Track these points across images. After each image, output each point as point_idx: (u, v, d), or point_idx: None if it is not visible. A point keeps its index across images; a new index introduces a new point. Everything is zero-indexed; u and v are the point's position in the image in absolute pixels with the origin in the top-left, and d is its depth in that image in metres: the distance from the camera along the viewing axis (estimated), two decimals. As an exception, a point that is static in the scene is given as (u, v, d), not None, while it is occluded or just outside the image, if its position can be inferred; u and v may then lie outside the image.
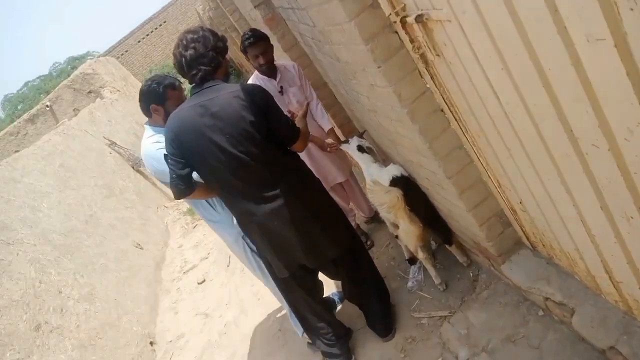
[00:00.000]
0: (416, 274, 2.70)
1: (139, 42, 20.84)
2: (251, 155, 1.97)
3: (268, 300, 3.51)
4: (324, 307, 2.54)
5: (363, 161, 2.69)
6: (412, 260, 2.78)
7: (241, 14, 5.47)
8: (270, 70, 2.98)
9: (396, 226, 2.60)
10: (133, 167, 7.54)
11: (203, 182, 2.16)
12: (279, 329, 3.23)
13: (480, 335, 2.04)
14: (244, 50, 2.96)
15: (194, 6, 17.81)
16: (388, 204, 2.19)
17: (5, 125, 15.36)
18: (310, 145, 2.93)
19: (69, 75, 11.54)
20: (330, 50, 2.13)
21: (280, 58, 3.45)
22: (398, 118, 1.80)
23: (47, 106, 10.10)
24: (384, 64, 1.62)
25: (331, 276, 2.59)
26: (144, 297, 4.96)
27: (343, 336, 2.53)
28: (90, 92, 9.87)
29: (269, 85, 2.99)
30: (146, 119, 2.50)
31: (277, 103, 2.07)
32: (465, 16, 1.14)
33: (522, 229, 1.86)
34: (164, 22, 20.83)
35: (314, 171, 2.50)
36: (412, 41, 1.55)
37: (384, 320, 2.45)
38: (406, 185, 2.25)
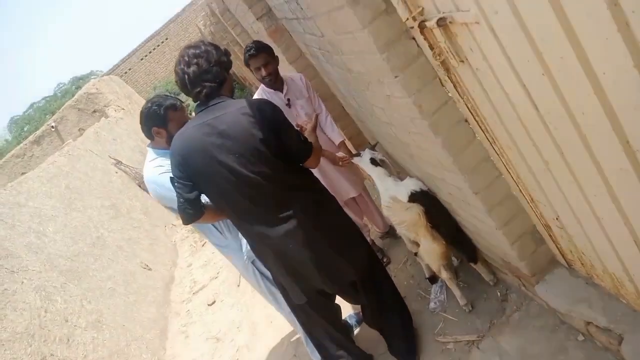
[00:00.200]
0: (438, 293, 2.54)
1: (141, 59, 20.98)
2: (263, 175, 1.85)
3: (281, 323, 3.35)
4: (342, 333, 2.39)
5: (377, 175, 2.55)
6: (433, 278, 2.62)
7: (243, 27, 5.40)
8: (275, 82, 2.87)
9: (416, 244, 2.45)
10: (140, 186, 7.45)
11: (212, 204, 2.03)
12: (294, 354, 3.07)
13: (515, 363, 1.88)
14: (247, 63, 2.86)
15: (195, 22, 17.91)
16: (408, 221, 2.04)
17: (12, 147, 15.42)
18: (321, 159, 2.80)
19: (73, 95, 11.56)
20: (341, 61, 2.00)
21: (286, 70, 3.34)
22: (418, 131, 1.67)
23: (52, 127, 10.10)
24: (402, 73, 1.49)
25: (351, 301, 2.44)
26: (153, 321, 4.82)
27: (363, 364, 2.37)
28: (94, 111, 9.85)
29: (276, 98, 2.87)
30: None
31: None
32: (497, 17, 1.01)
33: (557, 247, 1.71)
34: (166, 39, 20.97)
35: (325, 187, 2.37)
36: (431, 47, 1.41)
37: (407, 346, 2.29)
38: (427, 201, 2.11)
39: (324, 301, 2.24)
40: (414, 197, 2.15)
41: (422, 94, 1.52)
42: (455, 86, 1.47)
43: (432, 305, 2.53)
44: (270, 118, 1.85)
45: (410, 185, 2.23)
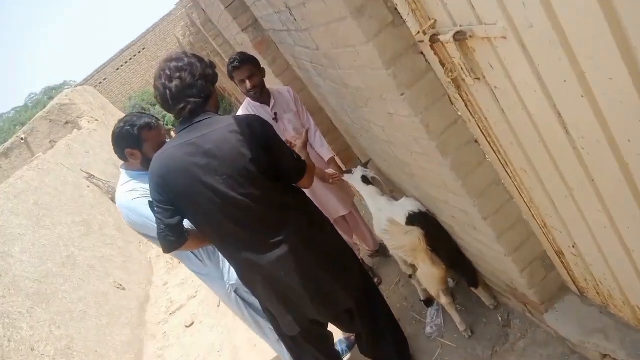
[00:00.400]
0: (434, 317, 2.43)
1: (117, 69, 20.49)
2: (252, 198, 1.70)
3: (265, 347, 3.16)
4: (334, 362, 2.24)
5: (368, 194, 2.43)
6: (429, 301, 2.51)
7: (225, 38, 5.25)
8: (261, 95, 2.74)
9: (411, 266, 2.34)
10: (113, 200, 7.15)
11: (195, 229, 1.87)
12: (280, 382, 2.89)
13: (522, 396, 1.77)
14: (231, 76, 2.72)
15: (173, 32, 17.63)
16: (408, 246, 1.92)
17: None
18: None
19: (45, 106, 11.14)
20: (337, 76, 1.89)
21: (272, 83, 3.21)
22: (423, 151, 1.56)
23: (21, 139, 9.68)
24: (409, 90, 1.38)
25: (344, 329, 2.30)
26: (128, 344, 4.56)
27: (357, 394, 2.23)
28: (67, 122, 9.50)
29: (262, 112, 2.74)
30: None
31: None
32: (532, 31, 0.91)
33: (569, 274, 1.61)
34: (143, 48, 20.56)
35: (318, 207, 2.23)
36: (442, 64, 1.31)
37: (404, 376, 2.16)
38: (426, 223, 2.00)
39: (316, 330, 2.09)
40: (412, 219, 2.04)
41: (430, 113, 1.41)
42: (466, 105, 1.37)
43: (428, 330, 2.41)
44: (260, 135, 1.71)
45: (407, 205, 2.12)
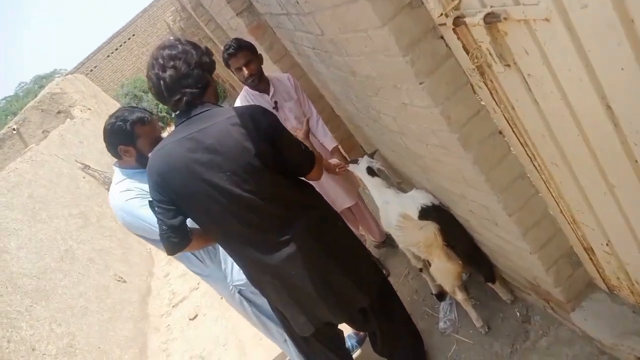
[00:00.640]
0: (448, 312, 2.34)
1: (108, 57, 20.05)
2: (259, 194, 1.58)
3: (271, 342, 3.10)
4: (345, 360, 2.16)
5: (374, 185, 2.32)
6: (441, 295, 2.42)
7: (218, 23, 5.06)
8: (260, 83, 2.60)
9: (421, 260, 2.24)
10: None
11: (198, 227, 1.76)
12: (289, 379, 2.82)
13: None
14: (227, 63, 2.58)
15: (163, 17, 17.24)
16: (423, 242, 1.82)
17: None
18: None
19: (36, 95, 10.91)
20: (343, 63, 1.75)
21: (269, 70, 3.06)
22: (441, 144, 1.43)
23: (13, 130, 9.48)
24: (428, 78, 1.25)
25: (357, 328, 2.21)
26: (131, 339, 4.49)
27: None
28: (59, 112, 9.30)
29: (262, 101, 2.60)
30: None
31: None
32: (584, 12, 0.78)
33: (598, 271, 1.51)
34: (133, 35, 20.09)
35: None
36: (466, 49, 1.18)
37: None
38: (440, 217, 1.89)
39: (328, 330, 2.01)
40: (425, 213, 1.93)
41: (451, 103, 1.29)
42: (491, 94, 1.25)
43: (441, 325, 2.32)
44: (265, 127, 1.58)
45: (419, 198, 2.00)
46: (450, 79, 1.27)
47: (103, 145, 2.08)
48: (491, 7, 1.00)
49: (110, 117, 1.94)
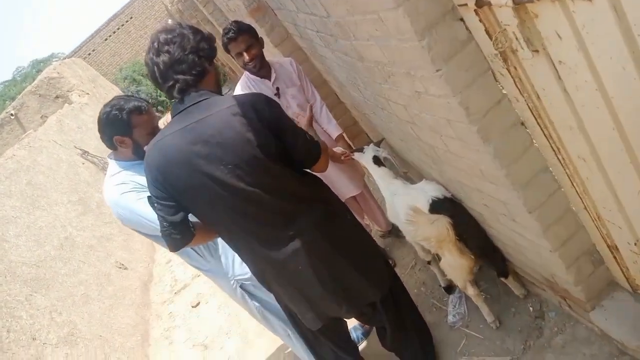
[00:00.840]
0: (457, 305, 2.27)
1: (105, 40, 19.71)
2: (263, 188, 1.51)
3: (275, 332, 3.07)
4: (351, 355, 2.10)
5: (380, 175, 2.23)
6: (450, 288, 2.35)
7: (216, 5, 4.91)
8: (261, 69, 2.49)
9: (431, 254, 2.17)
10: (110, 177, 6.95)
11: (200, 221, 1.68)
12: (293, 369, 2.78)
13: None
14: (226, 48, 2.46)
15: (161, -1, 16.91)
16: (435, 237, 1.73)
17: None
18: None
19: (34, 80, 10.75)
20: (350, 47, 1.64)
21: (270, 55, 2.95)
22: (458, 136, 1.34)
23: (11, 115, 9.37)
24: (446, 65, 1.15)
25: (365, 321, 2.16)
26: (133, 326, 4.46)
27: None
28: (57, 97, 9.17)
29: (263, 88, 2.50)
30: None
31: None
32: (637, -9, 0.68)
33: (622, 270, 1.43)
34: (131, 17, 19.71)
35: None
36: (488, 33, 1.08)
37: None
38: (453, 210, 1.80)
39: (335, 324, 1.96)
40: (437, 206, 1.84)
41: (471, 92, 1.19)
42: (515, 82, 1.15)
43: (451, 318, 2.26)
44: (268, 117, 1.49)
45: (429, 190, 1.91)
46: (470, 66, 1.17)
47: (101, 131, 1.99)
48: (521, -14, 0.89)
49: (105, 106, 1.84)
